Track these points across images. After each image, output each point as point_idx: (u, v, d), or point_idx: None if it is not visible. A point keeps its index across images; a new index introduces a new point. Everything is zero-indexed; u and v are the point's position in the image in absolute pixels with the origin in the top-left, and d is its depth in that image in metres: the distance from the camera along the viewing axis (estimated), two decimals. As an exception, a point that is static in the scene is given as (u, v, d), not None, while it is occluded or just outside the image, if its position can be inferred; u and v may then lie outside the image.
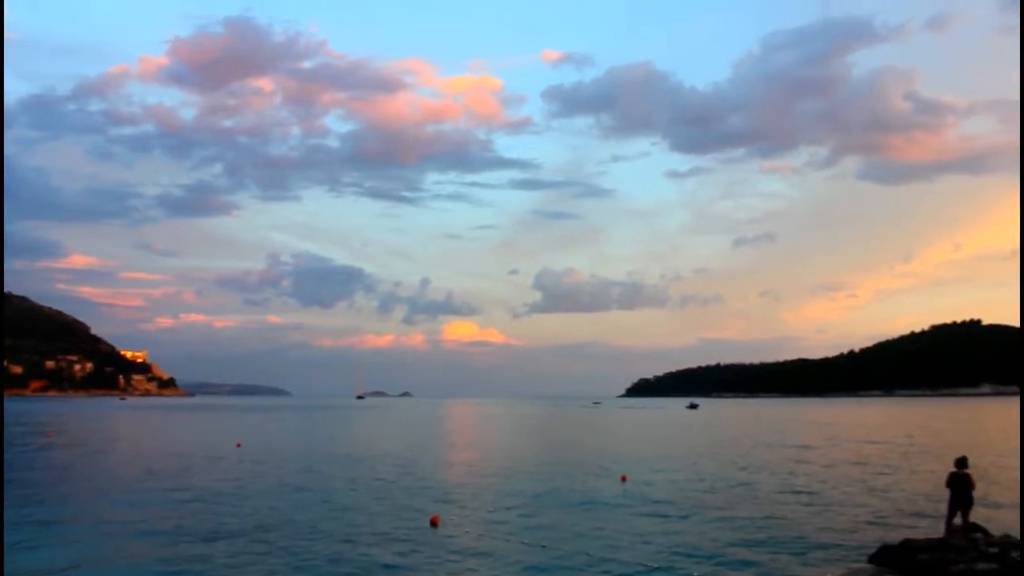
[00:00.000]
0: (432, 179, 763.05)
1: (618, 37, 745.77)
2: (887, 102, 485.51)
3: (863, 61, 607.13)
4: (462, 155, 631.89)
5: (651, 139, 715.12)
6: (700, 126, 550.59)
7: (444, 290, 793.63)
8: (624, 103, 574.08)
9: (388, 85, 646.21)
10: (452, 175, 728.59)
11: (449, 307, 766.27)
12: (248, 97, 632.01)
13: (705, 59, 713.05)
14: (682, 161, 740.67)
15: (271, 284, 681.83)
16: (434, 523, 24.23)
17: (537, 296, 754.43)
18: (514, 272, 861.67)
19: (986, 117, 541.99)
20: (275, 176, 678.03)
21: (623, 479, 35.98)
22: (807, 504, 28.45)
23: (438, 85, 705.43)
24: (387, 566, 19.15)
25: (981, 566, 15.21)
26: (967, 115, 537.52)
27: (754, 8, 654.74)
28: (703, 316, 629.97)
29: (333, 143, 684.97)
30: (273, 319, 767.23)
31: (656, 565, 18.91)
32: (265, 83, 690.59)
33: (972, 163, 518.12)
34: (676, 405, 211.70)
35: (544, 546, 21.02)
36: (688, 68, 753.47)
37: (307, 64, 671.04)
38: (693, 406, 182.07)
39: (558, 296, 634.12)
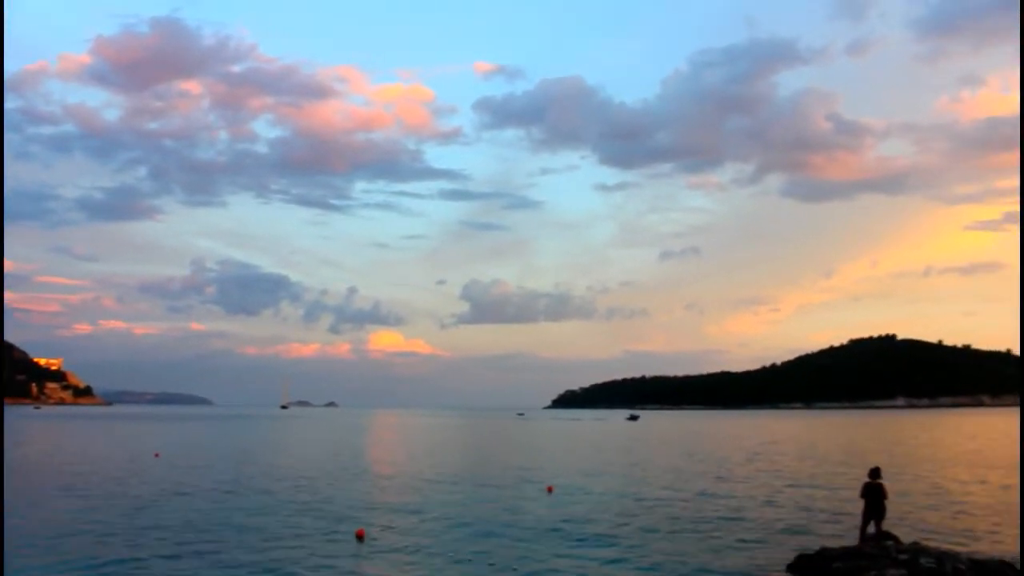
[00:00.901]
0: (361, 187, 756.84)
1: (549, 51, 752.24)
2: (810, 122, 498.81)
3: (787, 82, 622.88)
4: (392, 164, 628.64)
5: (580, 152, 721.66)
6: (629, 141, 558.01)
7: (371, 299, 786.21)
8: (554, 116, 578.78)
9: (318, 92, 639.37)
10: (381, 184, 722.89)
11: (376, 316, 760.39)
12: (175, 99, 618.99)
13: (634, 75, 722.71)
14: (610, 175, 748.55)
15: (195, 291, 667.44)
16: (360, 536, 24.00)
17: (464, 307, 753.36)
18: (442, 282, 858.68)
19: (902, 139, 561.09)
20: (201, 181, 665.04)
21: (549, 490, 36.13)
22: (728, 516, 28.88)
23: (369, 93, 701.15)
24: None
25: (892, 572, 15.68)
26: (885, 137, 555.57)
27: (683, 27, 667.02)
28: (629, 328, 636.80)
29: (261, 149, 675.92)
30: (196, 326, 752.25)
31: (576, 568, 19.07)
32: (193, 86, 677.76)
33: (889, 183, 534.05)
34: (615, 417, 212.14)
35: (470, 559, 21.01)
36: (618, 84, 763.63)
37: (236, 68, 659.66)
38: (633, 418, 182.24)
39: (485, 307, 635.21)
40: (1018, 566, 16.69)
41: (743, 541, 23.42)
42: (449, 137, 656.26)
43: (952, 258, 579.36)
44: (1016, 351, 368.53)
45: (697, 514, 29.00)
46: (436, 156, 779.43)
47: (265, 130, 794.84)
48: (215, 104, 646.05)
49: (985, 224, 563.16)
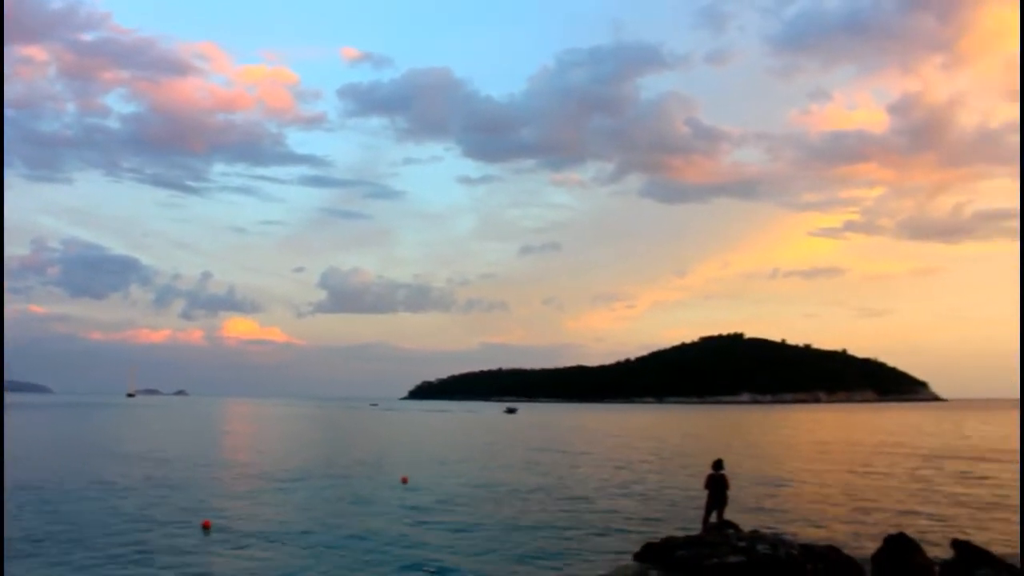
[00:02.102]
0: (219, 170, 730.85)
1: (418, 41, 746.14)
2: (670, 125, 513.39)
3: (650, 85, 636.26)
4: (252, 147, 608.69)
5: (445, 144, 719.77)
6: (493, 135, 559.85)
7: (226, 285, 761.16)
8: (420, 107, 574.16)
9: (177, 68, 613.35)
10: (241, 167, 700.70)
11: (231, 303, 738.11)
12: (16, 66, 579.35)
13: (502, 70, 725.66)
14: (474, 168, 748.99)
15: (35, 271, 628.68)
16: (206, 527, 23.41)
17: (322, 295, 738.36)
18: (300, 270, 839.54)
19: (755, 147, 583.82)
20: (45, 155, 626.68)
21: (403, 480, 36.10)
22: (578, 507, 29.56)
23: (231, 73, 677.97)
24: (150, 570, 18.37)
25: (732, 559, 16.45)
26: (739, 144, 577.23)
27: (551, 25, 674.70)
28: (487, 321, 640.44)
29: (113, 124, 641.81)
30: (36, 309, 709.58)
31: (427, 568, 19.16)
32: (37, 52, 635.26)
33: (742, 188, 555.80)
34: (491, 409, 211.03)
35: (317, 549, 20.81)
36: (485, 77, 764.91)
37: (88, 36, 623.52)
38: (511, 410, 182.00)
39: (344, 296, 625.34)
40: (844, 551, 17.82)
41: (591, 531, 24.01)
42: (312, 122, 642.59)
43: (796, 262, 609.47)
44: (852, 352, 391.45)
45: (549, 505, 29.54)
46: (298, 141, 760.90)
47: (118, 105, 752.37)
48: (62, 73, 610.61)
49: (827, 231, 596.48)
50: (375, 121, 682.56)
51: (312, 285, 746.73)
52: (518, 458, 51.21)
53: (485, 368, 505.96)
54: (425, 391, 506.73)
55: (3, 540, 16.79)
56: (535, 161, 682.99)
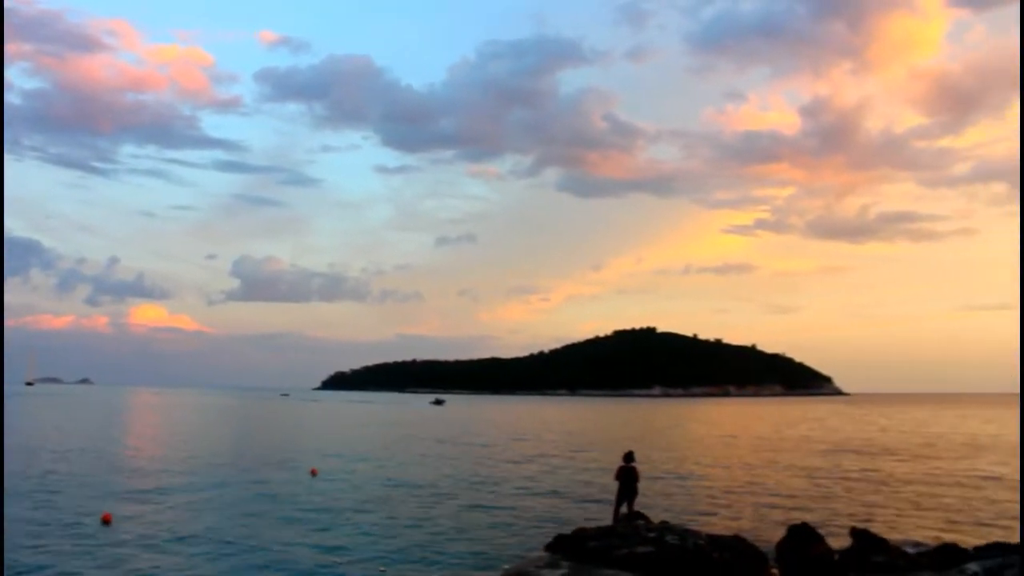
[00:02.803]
0: (128, 151, 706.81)
1: (338, 27, 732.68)
2: (588, 120, 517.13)
3: (570, 80, 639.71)
4: (164, 129, 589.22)
5: (363, 133, 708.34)
6: (412, 125, 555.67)
7: (134, 271, 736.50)
8: (339, 94, 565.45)
9: (85, 44, 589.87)
10: (151, 149, 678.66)
11: (139, 289, 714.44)
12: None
13: (422, 60, 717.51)
14: (392, 157, 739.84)
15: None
16: (106, 521, 22.72)
17: (235, 283, 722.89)
18: (212, 257, 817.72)
19: (671, 144, 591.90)
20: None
21: (313, 473, 35.66)
22: (492, 500, 29.62)
23: (143, 52, 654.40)
24: (49, 567, 17.73)
25: (641, 550, 16.64)
26: (655, 141, 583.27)
27: (473, 16, 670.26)
28: (403, 312, 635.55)
29: (15, 100, 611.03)
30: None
31: (332, 562, 18.95)
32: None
33: (657, 184, 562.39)
34: (418, 401, 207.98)
35: (218, 542, 20.40)
36: (405, 66, 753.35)
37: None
38: (439, 402, 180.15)
39: (257, 284, 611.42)
40: (750, 540, 18.22)
41: (503, 524, 24.07)
42: (227, 106, 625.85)
43: (709, 259, 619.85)
44: (761, 347, 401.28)
45: (461, 498, 29.53)
46: (212, 124, 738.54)
47: (20, 80, 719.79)
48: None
49: (739, 228, 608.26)
50: (292, 107, 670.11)
51: (224, 272, 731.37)
52: (434, 450, 51.07)
53: (399, 359, 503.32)
54: (338, 381, 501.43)
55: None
56: (453, 152, 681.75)
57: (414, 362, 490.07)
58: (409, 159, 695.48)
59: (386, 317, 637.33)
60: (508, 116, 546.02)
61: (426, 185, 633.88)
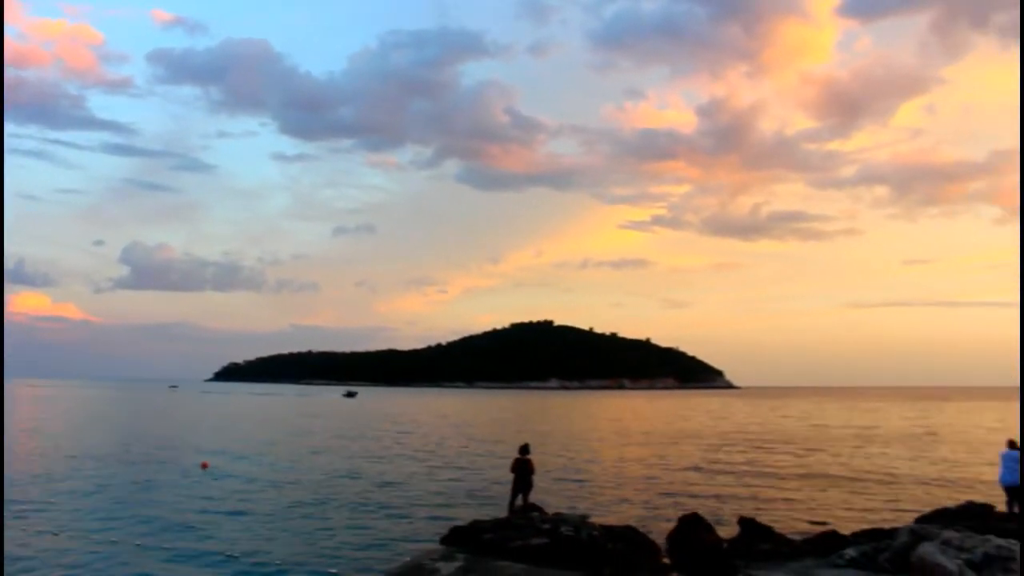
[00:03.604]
0: (8, 131, 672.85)
1: (235, 9, 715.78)
2: (489, 113, 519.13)
3: (472, 72, 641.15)
4: (47, 109, 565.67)
5: (260, 119, 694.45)
6: (311, 112, 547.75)
7: (15, 256, 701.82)
8: (236, 78, 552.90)
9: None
10: (33, 129, 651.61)
11: (19, 276, 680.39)
12: None
13: (323, 47, 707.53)
14: (290, 145, 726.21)
15: None
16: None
17: (124, 271, 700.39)
18: (100, 243, 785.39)
19: (571, 139, 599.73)
20: None
21: (204, 466, 34.86)
22: (387, 493, 29.45)
23: (26, 26, 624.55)
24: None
25: (536, 541, 16.77)
26: (555, 135, 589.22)
27: (375, 5, 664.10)
28: (298, 302, 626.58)
29: None
30: None
31: (223, 554, 18.57)
32: None
33: (557, 179, 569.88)
34: (328, 393, 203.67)
35: (113, 542, 19.75)
36: (305, 53, 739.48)
37: None
38: (351, 394, 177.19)
39: (148, 272, 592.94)
40: (643, 531, 18.58)
41: (398, 517, 23.95)
42: (117, 87, 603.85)
43: (606, 253, 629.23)
44: (656, 341, 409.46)
45: (356, 492, 29.27)
46: (101, 105, 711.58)
47: None
48: None
49: (636, 224, 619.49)
50: (187, 90, 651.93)
51: (113, 260, 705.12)
52: (333, 444, 50.45)
53: (295, 350, 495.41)
54: (232, 373, 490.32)
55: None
56: (353, 141, 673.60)
57: (310, 353, 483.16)
58: (307, 147, 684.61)
59: (282, 307, 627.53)
60: (409, 107, 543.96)
61: (324, 174, 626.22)
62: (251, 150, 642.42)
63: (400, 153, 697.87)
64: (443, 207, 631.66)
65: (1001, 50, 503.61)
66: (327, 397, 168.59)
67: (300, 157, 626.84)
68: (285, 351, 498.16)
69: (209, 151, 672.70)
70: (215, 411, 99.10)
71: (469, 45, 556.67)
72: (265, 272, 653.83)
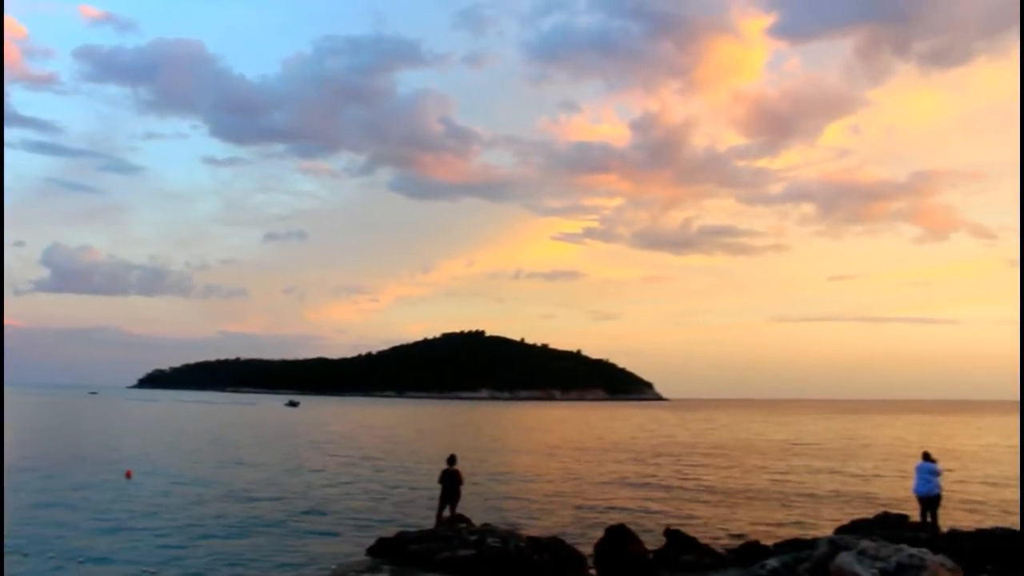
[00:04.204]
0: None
1: (168, 8, 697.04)
2: (424, 122, 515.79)
3: (407, 80, 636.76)
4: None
5: (191, 121, 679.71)
6: (244, 116, 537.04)
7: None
8: (166, 79, 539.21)
9: None
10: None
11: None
12: None
13: (257, 50, 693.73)
14: (221, 149, 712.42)
15: None
16: None
17: (44, 273, 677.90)
18: (19, 244, 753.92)
19: (505, 150, 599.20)
20: None
21: (128, 475, 34.06)
22: (314, 504, 29.11)
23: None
24: None
25: (463, 553, 16.77)
26: (490, 146, 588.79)
27: (311, 9, 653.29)
28: (226, 308, 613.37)
29: None
30: None
31: (140, 566, 18.17)
32: None
33: (490, 189, 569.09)
34: (268, 401, 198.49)
35: (25, 554, 19.14)
36: (239, 56, 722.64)
37: None
38: (293, 403, 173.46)
39: (70, 275, 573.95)
40: (569, 542, 18.69)
41: (325, 528, 23.71)
42: (41, 83, 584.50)
43: (539, 264, 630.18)
44: (586, 353, 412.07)
45: (283, 504, 28.87)
46: (23, 102, 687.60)
47: None
48: None
49: (568, 236, 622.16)
50: (114, 89, 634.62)
51: (33, 261, 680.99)
52: (262, 453, 49.67)
53: (222, 357, 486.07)
54: (157, 380, 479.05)
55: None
56: (285, 147, 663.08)
57: (238, 361, 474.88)
58: (239, 151, 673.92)
59: (209, 313, 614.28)
60: (343, 113, 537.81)
61: (256, 179, 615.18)
62: (181, 153, 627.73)
63: (333, 160, 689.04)
64: (376, 215, 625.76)
65: (921, 76, 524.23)
66: (268, 406, 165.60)
67: (231, 161, 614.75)
68: (212, 358, 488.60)
69: (137, 152, 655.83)
70: (140, 418, 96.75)
71: (405, 53, 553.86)
72: (193, 277, 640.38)
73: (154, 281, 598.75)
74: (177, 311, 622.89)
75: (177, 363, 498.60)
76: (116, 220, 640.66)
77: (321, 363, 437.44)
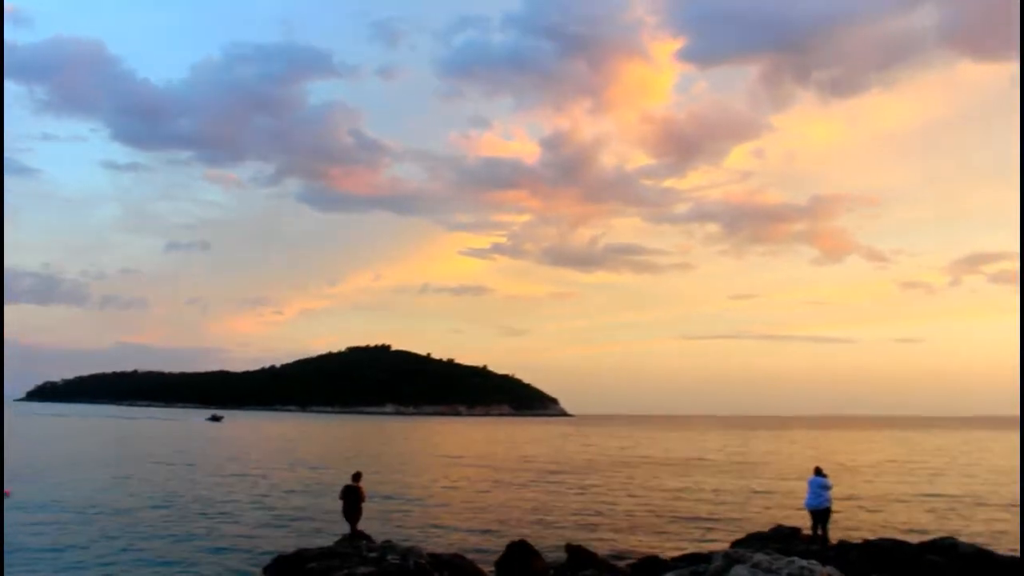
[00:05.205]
0: None
1: (68, 6, 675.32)
2: (334, 134, 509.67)
3: (318, 91, 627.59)
4: None
5: (91, 124, 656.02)
6: (148, 121, 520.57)
7: None
8: (65, 79, 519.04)
9: None
10: None
11: None
12: None
13: (163, 54, 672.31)
14: (123, 153, 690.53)
15: None
16: None
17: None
18: None
19: (415, 164, 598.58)
20: None
21: (7, 493, 32.57)
22: (211, 522, 28.41)
23: None
24: None
25: (361, 570, 16.53)
26: (400, 159, 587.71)
27: (220, 15, 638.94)
28: (125, 319, 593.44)
29: None
30: None
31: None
32: None
33: (399, 203, 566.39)
34: (192, 416, 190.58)
35: None
36: (144, 58, 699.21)
37: None
38: (216, 418, 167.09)
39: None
40: (471, 558, 18.66)
41: (221, 547, 23.12)
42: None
43: (446, 279, 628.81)
44: (493, 368, 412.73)
45: (178, 522, 28.11)
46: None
47: None
48: None
49: (476, 251, 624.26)
50: (7, 87, 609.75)
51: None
52: (155, 469, 48.21)
53: (119, 369, 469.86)
54: (48, 392, 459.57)
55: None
56: (190, 154, 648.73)
57: (135, 373, 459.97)
58: (141, 157, 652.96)
59: (107, 324, 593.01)
60: (252, 122, 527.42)
61: (158, 186, 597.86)
62: (78, 156, 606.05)
63: (240, 169, 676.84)
64: (282, 226, 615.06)
65: (820, 104, 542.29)
66: (191, 421, 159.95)
67: (132, 167, 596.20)
68: (108, 370, 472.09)
69: (31, 154, 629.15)
70: (23, 434, 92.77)
71: (316, 63, 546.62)
72: (89, 286, 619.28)
73: (47, 290, 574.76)
74: (72, 321, 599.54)
75: (70, 375, 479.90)
76: (7, 224, 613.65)
77: (223, 376, 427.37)
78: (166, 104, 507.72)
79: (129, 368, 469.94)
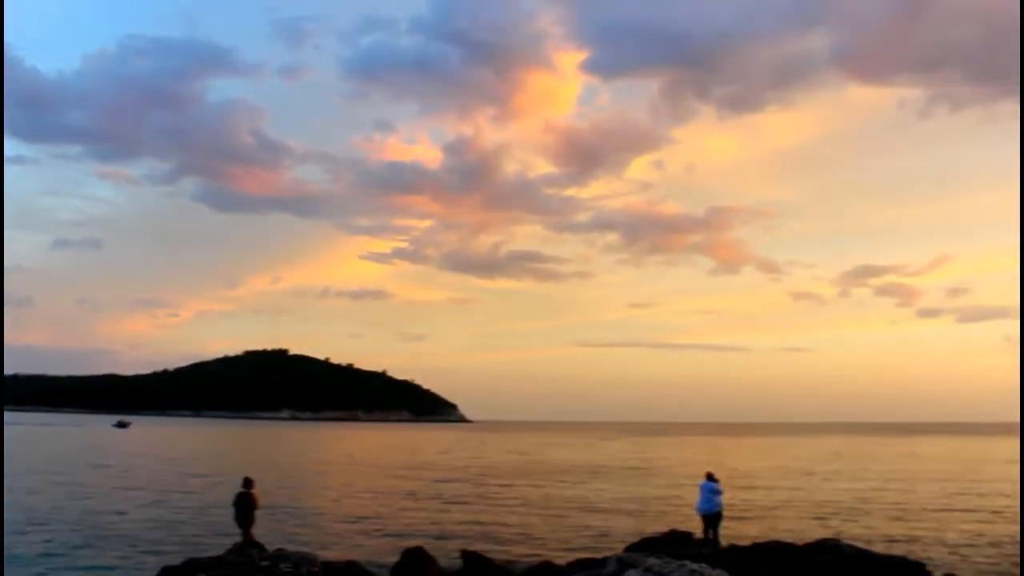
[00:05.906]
0: None
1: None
2: (234, 133, 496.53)
3: (219, 88, 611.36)
4: None
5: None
6: (34, 112, 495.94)
7: None
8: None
9: None
10: None
11: None
12: None
13: (54, 42, 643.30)
14: (7, 145, 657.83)
15: None
16: None
17: None
18: None
19: (317, 166, 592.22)
20: None
21: None
22: (96, 532, 27.52)
23: None
24: None
25: (253, 580, 16.22)
26: (302, 161, 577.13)
27: (116, 4, 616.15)
28: (7, 318, 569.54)
29: None
30: None
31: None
32: None
33: (300, 205, 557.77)
34: (97, 423, 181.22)
35: None
36: (32, 46, 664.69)
37: None
38: (122, 425, 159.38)
39: None
40: (365, 565, 18.48)
41: (109, 559, 22.43)
42: None
43: (347, 283, 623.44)
44: (392, 373, 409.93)
45: (60, 531, 27.12)
46: None
47: None
48: None
49: (377, 256, 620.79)
50: None
51: None
52: (37, 480, 46.19)
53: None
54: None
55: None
56: (81, 148, 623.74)
57: (16, 377, 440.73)
58: (27, 150, 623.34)
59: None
60: (147, 117, 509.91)
61: (46, 181, 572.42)
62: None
63: (134, 166, 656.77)
64: (178, 226, 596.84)
65: (719, 119, 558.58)
66: (96, 428, 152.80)
67: (17, 159, 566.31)
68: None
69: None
70: None
71: (217, 60, 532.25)
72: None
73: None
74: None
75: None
76: None
77: (112, 379, 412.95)
78: (55, 95, 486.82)
79: (10, 371, 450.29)
